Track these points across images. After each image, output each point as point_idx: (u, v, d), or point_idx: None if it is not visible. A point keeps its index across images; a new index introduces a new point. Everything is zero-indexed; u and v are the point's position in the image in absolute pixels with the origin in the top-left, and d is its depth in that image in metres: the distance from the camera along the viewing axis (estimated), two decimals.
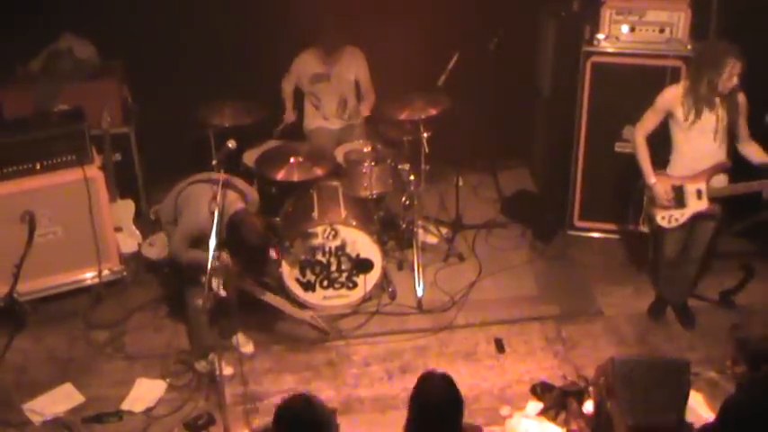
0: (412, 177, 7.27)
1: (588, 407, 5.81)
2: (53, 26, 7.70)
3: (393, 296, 7.15)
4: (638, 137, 6.35)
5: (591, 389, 5.87)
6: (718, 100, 6.05)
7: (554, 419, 5.88)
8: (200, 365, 6.37)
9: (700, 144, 6.19)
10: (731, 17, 7.19)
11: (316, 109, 7.84)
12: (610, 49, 7.27)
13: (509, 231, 8.05)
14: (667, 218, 6.38)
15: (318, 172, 6.92)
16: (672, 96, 6.21)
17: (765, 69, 6.19)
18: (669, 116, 6.23)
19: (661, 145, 6.36)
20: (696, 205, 6.31)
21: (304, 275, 6.86)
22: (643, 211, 6.48)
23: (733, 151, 6.30)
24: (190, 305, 6.23)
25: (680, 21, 7.13)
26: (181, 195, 6.26)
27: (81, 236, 6.96)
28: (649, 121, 6.31)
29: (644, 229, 6.54)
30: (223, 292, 5.96)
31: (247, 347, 6.61)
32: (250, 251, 5.99)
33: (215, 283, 5.82)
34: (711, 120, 6.10)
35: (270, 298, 6.40)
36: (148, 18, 7.74)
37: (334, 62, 7.60)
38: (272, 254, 6.55)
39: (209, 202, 5.91)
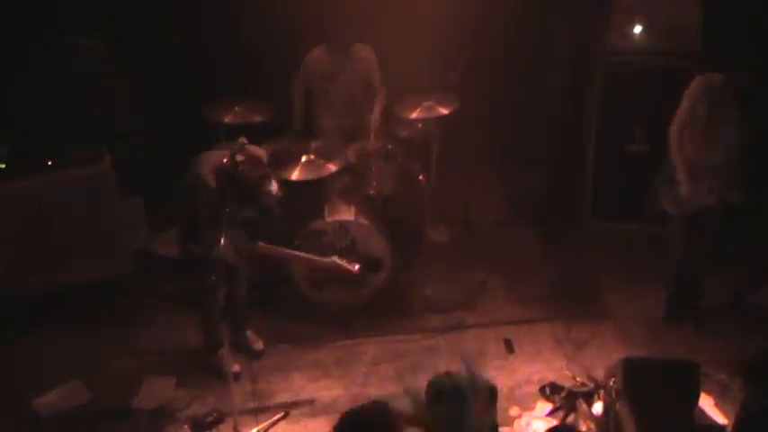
0: (422, 176, 7.27)
1: (597, 408, 5.80)
2: (64, 24, 7.70)
3: (403, 294, 7.13)
4: (675, 132, 6.31)
5: (600, 390, 5.86)
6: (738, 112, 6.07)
7: (563, 420, 5.87)
8: (212, 360, 6.37)
9: (717, 134, 6.18)
10: (742, 16, 7.16)
11: (326, 107, 7.82)
12: (622, 49, 7.25)
13: (519, 231, 8.05)
14: (674, 204, 6.35)
15: (329, 170, 6.90)
16: (697, 87, 6.22)
17: None
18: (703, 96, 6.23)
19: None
20: (705, 199, 6.28)
21: (313, 273, 6.85)
22: (656, 199, 6.48)
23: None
24: (203, 297, 6.22)
25: (692, 20, 7.11)
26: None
27: (91, 232, 6.95)
28: (683, 114, 6.30)
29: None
30: (236, 260, 5.94)
31: (257, 345, 6.62)
32: (254, 202, 5.85)
33: (229, 254, 5.80)
34: (728, 130, 6.12)
35: (286, 252, 6.27)
36: (159, 16, 7.74)
37: (344, 60, 7.56)
38: (274, 186, 6.14)
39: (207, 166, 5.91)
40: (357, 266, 6.23)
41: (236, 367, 6.29)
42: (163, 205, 7.62)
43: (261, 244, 6.03)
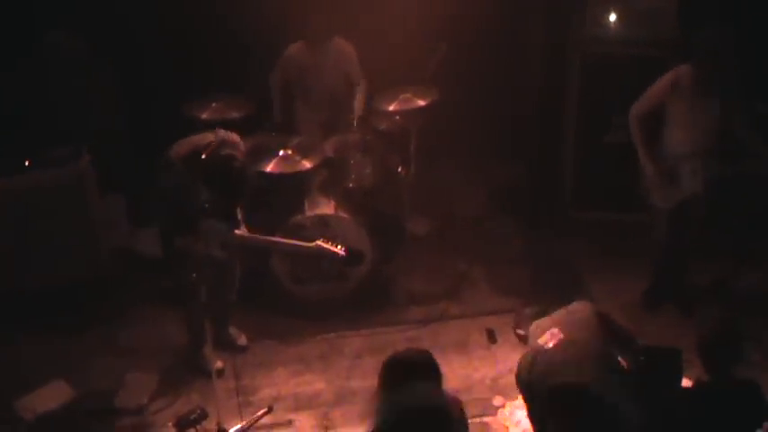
0: (401, 169, 7.28)
1: None
2: (43, 22, 7.66)
3: (384, 287, 7.13)
4: (634, 115, 6.35)
5: None
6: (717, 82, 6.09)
7: None
8: (195, 359, 6.37)
9: (697, 121, 6.20)
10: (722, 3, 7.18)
11: (306, 101, 7.81)
12: (598, 39, 7.26)
13: (501, 222, 8.06)
14: (663, 197, 6.38)
15: (308, 164, 6.88)
16: (670, 81, 6.25)
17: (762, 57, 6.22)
18: (669, 96, 6.25)
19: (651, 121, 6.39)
20: (691, 185, 6.30)
21: (295, 268, 6.85)
22: (641, 194, 6.50)
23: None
24: (185, 295, 6.20)
25: (669, 8, 7.12)
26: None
27: (72, 231, 6.93)
28: (646, 103, 6.33)
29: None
30: (220, 253, 5.84)
31: (240, 340, 6.62)
32: (230, 191, 5.70)
33: (211, 244, 5.76)
34: (710, 101, 6.14)
35: (268, 240, 6.18)
36: (138, 14, 7.72)
37: (322, 54, 7.55)
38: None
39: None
40: (342, 248, 6.02)
41: (219, 364, 6.28)
42: (143, 203, 7.63)
43: (238, 233, 5.95)
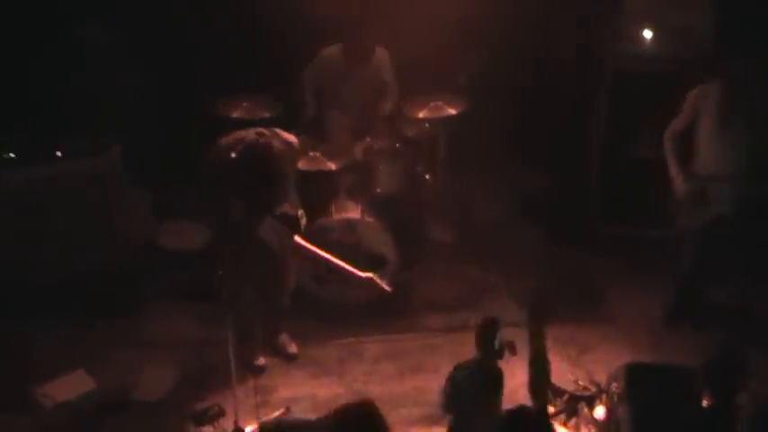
0: (428, 176, 7.27)
1: (599, 413, 5.79)
2: (74, 15, 7.70)
3: (405, 293, 7.12)
4: (667, 135, 6.36)
5: (603, 394, 5.85)
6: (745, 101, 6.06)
7: (565, 424, 5.87)
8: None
9: (727, 143, 6.16)
10: (757, 21, 7.14)
11: (336, 106, 7.79)
12: (631, 54, 7.23)
13: (524, 232, 8.03)
14: (691, 217, 6.35)
15: (336, 167, 6.90)
16: (697, 96, 6.22)
17: None
18: (699, 114, 6.22)
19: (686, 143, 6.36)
20: (720, 207, 6.26)
21: (317, 268, 6.84)
22: (667, 211, 6.46)
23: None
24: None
25: (704, 25, 7.09)
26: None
27: (97, 222, 6.97)
28: (679, 121, 6.31)
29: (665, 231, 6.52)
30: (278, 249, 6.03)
31: (291, 348, 6.62)
32: (266, 186, 5.69)
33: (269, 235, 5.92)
34: (738, 120, 6.10)
35: (323, 255, 6.28)
36: (171, 8, 7.75)
37: (358, 61, 7.51)
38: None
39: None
40: (391, 288, 6.37)
41: (262, 360, 6.41)
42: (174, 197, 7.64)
43: (298, 239, 6.07)
